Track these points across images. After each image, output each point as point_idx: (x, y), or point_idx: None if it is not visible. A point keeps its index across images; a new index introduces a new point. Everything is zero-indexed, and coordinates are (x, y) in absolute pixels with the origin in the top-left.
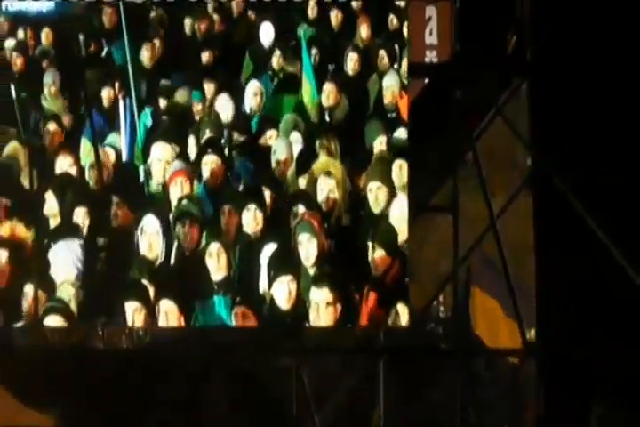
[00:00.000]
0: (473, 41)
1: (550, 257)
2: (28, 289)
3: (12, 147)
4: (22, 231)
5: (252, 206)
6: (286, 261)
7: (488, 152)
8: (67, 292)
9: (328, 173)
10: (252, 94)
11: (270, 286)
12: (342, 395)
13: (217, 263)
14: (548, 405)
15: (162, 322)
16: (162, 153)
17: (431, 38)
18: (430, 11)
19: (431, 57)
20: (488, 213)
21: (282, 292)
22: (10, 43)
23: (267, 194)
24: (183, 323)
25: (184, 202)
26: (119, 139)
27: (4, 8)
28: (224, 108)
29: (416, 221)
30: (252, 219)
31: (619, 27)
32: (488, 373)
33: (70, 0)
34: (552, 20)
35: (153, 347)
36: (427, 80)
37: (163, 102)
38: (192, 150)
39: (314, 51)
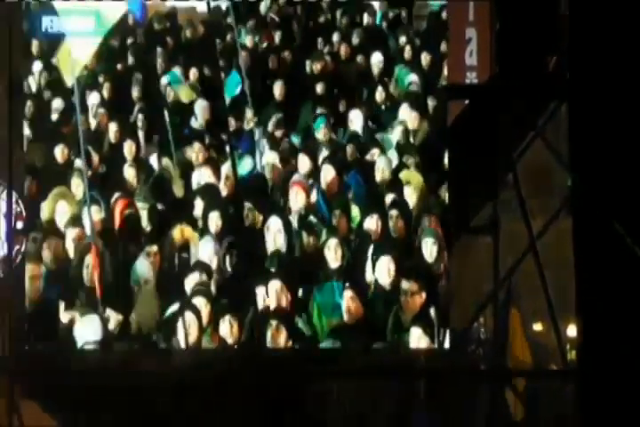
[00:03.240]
0: (513, 62)
1: (591, 278)
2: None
3: (164, 162)
4: (189, 232)
5: (375, 215)
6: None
7: (528, 174)
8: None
9: (408, 183)
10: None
11: (373, 268)
12: (381, 417)
13: (334, 255)
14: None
15: (284, 303)
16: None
17: (471, 59)
18: (470, 32)
19: (471, 78)
20: (528, 234)
21: (383, 270)
22: (164, 78)
23: None
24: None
25: (311, 217)
26: (252, 157)
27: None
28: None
29: (457, 242)
30: (374, 224)
31: None
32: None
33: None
34: (591, 41)
35: (181, 369)
36: (467, 102)
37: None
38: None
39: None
